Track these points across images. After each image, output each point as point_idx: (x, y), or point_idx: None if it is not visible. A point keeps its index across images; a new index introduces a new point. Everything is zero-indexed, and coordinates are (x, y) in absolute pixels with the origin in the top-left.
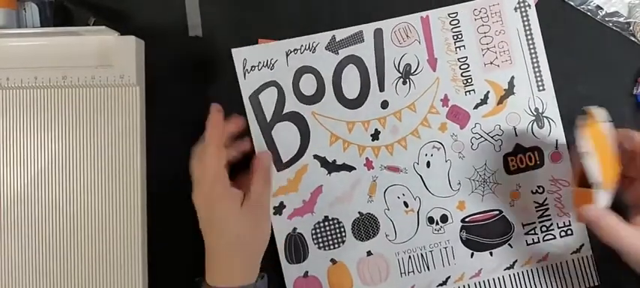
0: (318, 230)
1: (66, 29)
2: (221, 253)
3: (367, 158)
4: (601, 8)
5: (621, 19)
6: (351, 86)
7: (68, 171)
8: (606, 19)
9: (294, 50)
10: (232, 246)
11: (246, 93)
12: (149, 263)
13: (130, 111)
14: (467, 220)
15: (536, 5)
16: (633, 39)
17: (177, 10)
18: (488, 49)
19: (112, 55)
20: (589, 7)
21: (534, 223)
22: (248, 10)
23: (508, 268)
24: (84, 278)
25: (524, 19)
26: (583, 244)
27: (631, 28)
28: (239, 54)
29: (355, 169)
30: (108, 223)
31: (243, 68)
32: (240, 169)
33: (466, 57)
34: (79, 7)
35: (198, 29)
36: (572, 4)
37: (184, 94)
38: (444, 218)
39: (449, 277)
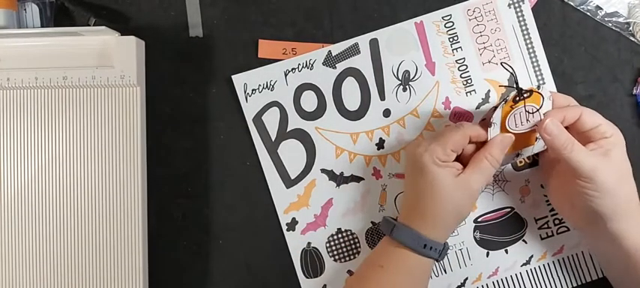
0: (332, 243)
1: (66, 29)
2: (420, 201)
3: (374, 168)
4: (601, 8)
5: (621, 19)
6: (351, 98)
7: (69, 171)
8: (606, 19)
9: (292, 69)
10: (432, 198)
11: (249, 116)
12: (149, 262)
13: (130, 111)
14: (479, 220)
15: (535, 5)
16: (633, 39)
17: (178, 10)
18: (485, 48)
19: (112, 56)
20: (589, 7)
21: (547, 216)
22: (248, 11)
23: (524, 265)
24: (85, 276)
25: (519, 14)
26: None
27: (631, 28)
28: (239, 79)
29: (363, 179)
30: (108, 222)
31: (245, 92)
32: None
33: (464, 58)
34: (79, 7)
35: (199, 29)
36: (571, 4)
37: (184, 94)
38: None
39: (467, 278)
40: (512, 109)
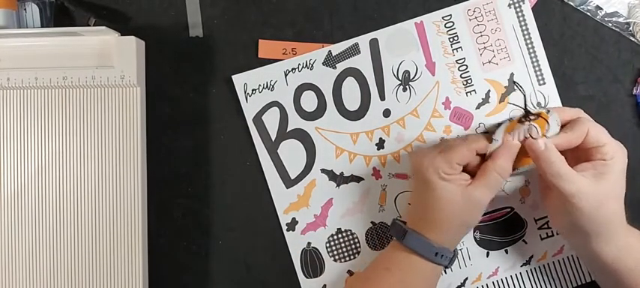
0: (332, 243)
1: (66, 29)
2: (427, 212)
3: (374, 168)
4: (601, 8)
5: (621, 19)
6: (351, 98)
7: (69, 171)
8: (606, 19)
9: (293, 69)
10: (440, 210)
11: (249, 116)
12: (149, 262)
13: (130, 111)
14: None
15: (535, 5)
16: (633, 39)
17: (178, 10)
18: (485, 48)
19: (112, 56)
20: (589, 7)
21: (547, 216)
22: (248, 11)
23: (524, 265)
24: (85, 276)
25: (519, 14)
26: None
27: (631, 28)
28: (239, 79)
29: (363, 179)
30: (108, 222)
31: (245, 92)
32: None
33: (464, 58)
34: (79, 7)
35: (199, 29)
36: (571, 4)
37: (184, 94)
38: None
39: (466, 278)
40: (515, 128)
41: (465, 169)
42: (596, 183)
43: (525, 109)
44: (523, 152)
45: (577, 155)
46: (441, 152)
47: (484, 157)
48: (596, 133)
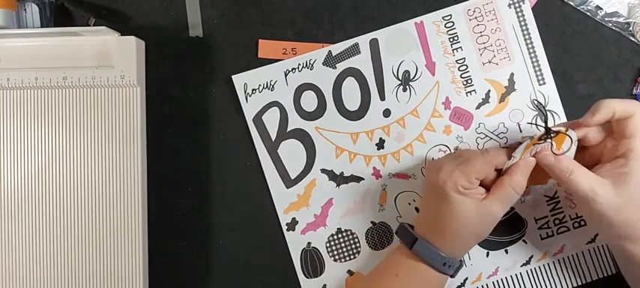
0: (332, 243)
1: (66, 30)
2: (440, 222)
3: (374, 167)
4: (601, 8)
5: (621, 19)
6: (351, 98)
7: (69, 171)
8: (606, 19)
9: (293, 69)
10: (454, 223)
11: (249, 116)
12: (149, 262)
13: (130, 111)
14: None
15: (535, 5)
16: (633, 39)
17: (178, 10)
18: (485, 48)
19: (112, 56)
20: (589, 7)
21: (547, 216)
22: (248, 11)
23: (524, 265)
24: (86, 276)
25: (519, 14)
26: (598, 234)
27: (631, 28)
28: (239, 79)
29: (363, 179)
30: (109, 222)
31: (245, 92)
32: None
33: (464, 58)
34: (79, 7)
35: (199, 29)
36: (571, 4)
37: (184, 94)
38: None
39: (466, 278)
40: (534, 145)
41: (481, 183)
42: (615, 186)
43: (546, 127)
44: (541, 170)
45: (601, 152)
46: (460, 166)
47: (500, 171)
48: (626, 104)
